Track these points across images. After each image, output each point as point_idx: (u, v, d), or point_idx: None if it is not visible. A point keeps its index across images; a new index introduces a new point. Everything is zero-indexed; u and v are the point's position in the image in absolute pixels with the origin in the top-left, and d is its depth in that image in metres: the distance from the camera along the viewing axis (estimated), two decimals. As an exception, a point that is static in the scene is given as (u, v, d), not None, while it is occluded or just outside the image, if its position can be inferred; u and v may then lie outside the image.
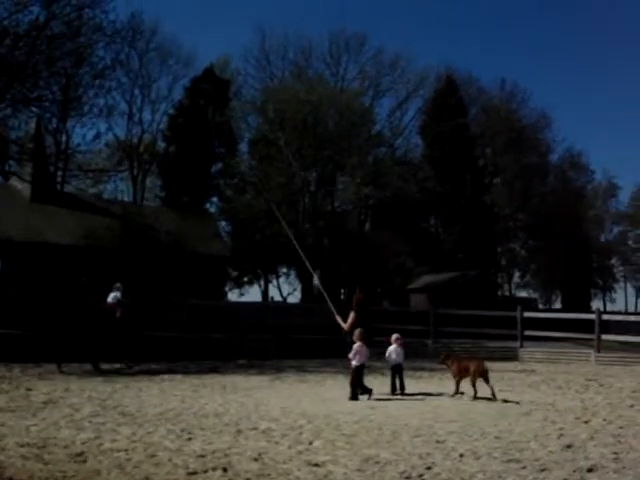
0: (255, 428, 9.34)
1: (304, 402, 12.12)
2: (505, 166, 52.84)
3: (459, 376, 12.83)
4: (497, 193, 52.78)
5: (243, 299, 48.76)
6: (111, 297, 18.51)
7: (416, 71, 49.01)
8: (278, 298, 48.06)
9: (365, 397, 12.70)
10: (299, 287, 46.95)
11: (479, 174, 49.66)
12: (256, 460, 7.35)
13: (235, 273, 46.48)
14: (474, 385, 12.39)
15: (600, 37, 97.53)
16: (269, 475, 6.72)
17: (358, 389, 12.80)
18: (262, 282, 49.50)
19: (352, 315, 13.93)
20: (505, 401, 12.13)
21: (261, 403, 11.91)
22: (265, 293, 49.11)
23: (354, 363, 13.01)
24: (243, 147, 48.03)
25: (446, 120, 46.44)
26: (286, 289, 51.11)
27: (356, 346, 13.11)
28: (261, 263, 45.02)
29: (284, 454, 7.69)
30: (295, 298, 47.63)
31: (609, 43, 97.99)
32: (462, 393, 12.85)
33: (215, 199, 47.21)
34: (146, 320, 20.14)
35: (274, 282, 50.39)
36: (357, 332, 13.23)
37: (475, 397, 12.31)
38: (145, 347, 19.08)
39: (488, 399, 12.14)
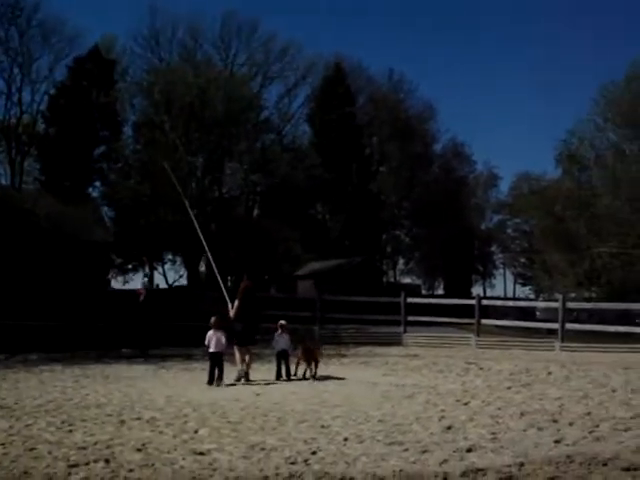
0: (139, 418, 9.17)
1: (189, 390, 12.01)
2: (391, 155, 53.86)
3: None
4: (383, 181, 53.71)
5: (127, 287, 47.66)
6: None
7: (305, 59, 49.18)
8: (164, 285, 47.30)
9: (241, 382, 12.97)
10: (185, 274, 46.38)
11: (365, 162, 50.39)
12: (140, 450, 7.22)
13: (119, 260, 45.36)
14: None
15: (481, 33, 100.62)
16: (153, 465, 6.60)
17: (219, 380, 12.94)
18: (147, 269, 48.56)
19: (237, 303, 13.89)
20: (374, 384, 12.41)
21: (145, 392, 11.71)
22: (150, 280, 48.24)
23: (210, 350, 13.08)
24: (128, 130, 46.80)
25: (334, 108, 46.84)
26: (172, 276, 50.28)
27: (210, 333, 13.19)
28: (146, 250, 44.10)
29: (169, 443, 7.59)
30: (181, 285, 46.98)
31: (488, 39, 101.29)
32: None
33: (98, 184, 45.82)
34: (23, 309, 19.41)
35: (159, 269, 49.55)
36: (213, 319, 13.33)
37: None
38: (22, 337, 18.40)
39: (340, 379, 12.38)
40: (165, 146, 38.92)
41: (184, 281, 45.96)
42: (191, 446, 7.44)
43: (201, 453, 7.10)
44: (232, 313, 13.81)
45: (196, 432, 8.22)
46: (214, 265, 16.06)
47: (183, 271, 47.51)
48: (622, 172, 37.26)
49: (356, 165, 47.47)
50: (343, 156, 46.01)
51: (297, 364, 13.71)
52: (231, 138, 40.09)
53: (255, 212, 48.24)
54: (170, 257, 48.75)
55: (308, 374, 13.58)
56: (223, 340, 13.31)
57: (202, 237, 16.60)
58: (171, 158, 39.01)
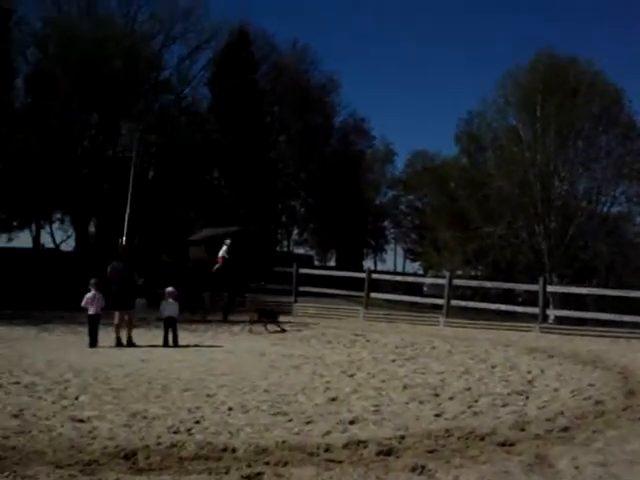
0: (17, 382, 8.87)
1: (72, 355, 11.69)
2: (290, 125, 53.65)
3: None
4: (281, 151, 53.55)
5: (12, 245, 45.72)
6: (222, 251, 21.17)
7: (210, 22, 48.07)
8: (50, 245, 45.68)
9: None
10: (73, 235, 44.95)
11: (265, 131, 50.01)
12: (16, 417, 6.98)
13: (3, 216, 43.44)
14: None
15: (385, 7, 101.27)
16: (30, 432, 6.37)
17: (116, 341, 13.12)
18: (34, 227, 46.71)
19: (111, 265, 13.80)
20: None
21: (25, 355, 11.34)
22: (37, 239, 46.46)
23: (89, 312, 12.98)
24: (19, 82, 44.63)
25: (236, 74, 46.10)
26: (59, 236, 48.55)
27: (89, 295, 13.09)
28: (33, 207, 42.40)
29: (47, 410, 7.36)
30: (69, 246, 45.52)
31: (393, 14, 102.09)
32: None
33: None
34: None
35: (47, 228, 47.77)
36: (92, 281, 13.21)
37: None
38: None
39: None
40: (58, 101, 37.40)
41: (72, 242, 44.60)
42: (71, 413, 7.25)
43: (81, 420, 6.93)
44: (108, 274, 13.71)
45: (77, 398, 8.01)
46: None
47: (71, 231, 46.06)
48: (516, 155, 38.52)
49: (255, 133, 47.04)
50: (243, 123, 45.43)
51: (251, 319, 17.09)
52: (128, 97, 38.90)
53: (150, 174, 47.15)
54: (59, 216, 47.13)
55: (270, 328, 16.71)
56: (101, 302, 13.21)
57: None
58: (64, 113, 37.60)
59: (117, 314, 13.48)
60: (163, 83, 44.79)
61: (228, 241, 21.79)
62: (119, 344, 13.25)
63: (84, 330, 13.81)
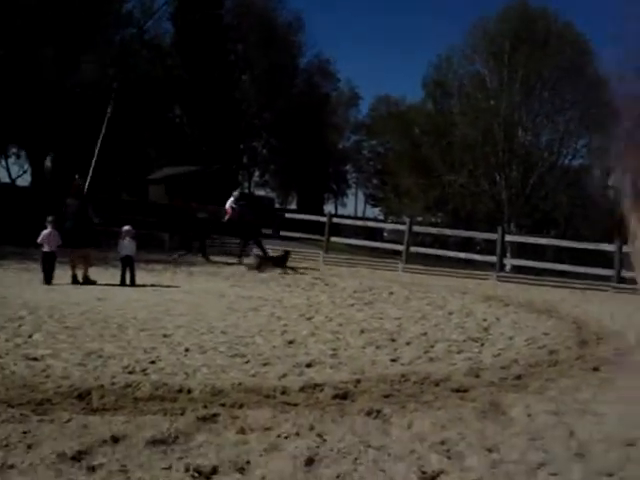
0: (-32, 319, 8.69)
1: (26, 292, 11.51)
2: (255, 63, 52.77)
3: None
4: (245, 90, 52.77)
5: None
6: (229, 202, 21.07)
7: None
8: (6, 180, 44.73)
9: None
10: (29, 170, 44.03)
11: (229, 68, 49.15)
12: (-33, 354, 6.84)
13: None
14: None
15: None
16: (-20, 370, 6.27)
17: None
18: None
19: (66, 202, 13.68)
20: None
21: (-23, 292, 11.11)
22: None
23: (44, 249, 12.88)
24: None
25: (199, 8, 45.05)
26: (15, 171, 47.53)
27: (45, 232, 13.00)
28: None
29: (0, 348, 7.22)
30: (25, 182, 44.63)
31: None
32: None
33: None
34: None
35: (2, 162, 46.73)
36: (49, 218, 13.12)
37: None
38: None
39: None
40: (14, 31, 36.19)
41: (28, 177, 43.71)
42: (24, 351, 7.13)
43: (34, 359, 6.81)
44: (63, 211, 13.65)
45: (30, 336, 7.88)
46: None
47: (27, 166, 45.10)
48: (482, 104, 38.53)
49: (219, 70, 46.21)
50: (206, 60, 44.56)
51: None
52: (88, 29, 37.80)
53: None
54: (15, 150, 46.10)
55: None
56: (58, 239, 13.08)
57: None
58: (19, 44, 36.42)
59: (72, 251, 13.32)
60: (125, 15, 43.59)
61: (236, 193, 22.01)
62: (75, 282, 13.11)
63: (39, 267, 13.62)
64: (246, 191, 57.15)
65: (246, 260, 19.25)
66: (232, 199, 21.45)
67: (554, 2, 47.93)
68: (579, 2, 63.97)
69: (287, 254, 18.71)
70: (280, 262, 18.23)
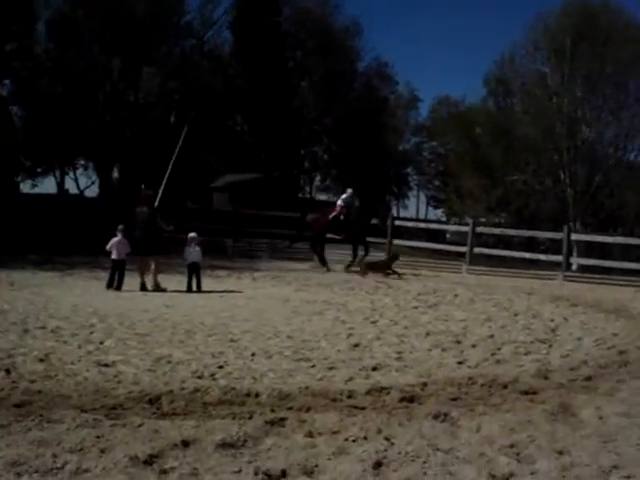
0: (43, 327, 8.94)
1: (97, 300, 11.79)
2: (313, 70, 53.00)
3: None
4: (304, 96, 53.04)
5: (37, 191, 45.95)
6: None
7: (231, -37, 47.32)
8: (74, 191, 45.89)
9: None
10: (97, 181, 45.08)
11: (288, 75, 49.50)
12: (42, 361, 7.02)
13: (28, 163, 43.62)
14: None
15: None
16: (56, 376, 6.43)
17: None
18: (58, 173, 46.87)
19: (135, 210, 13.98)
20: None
21: (51, 300, 11.44)
22: (61, 185, 46.67)
23: (112, 256, 13.40)
24: (41, 27, 44.27)
25: (258, 17, 45.49)
26: (84, 182, 48.72)
27: (114, 240, 13.36)
28: (57, 153, 42.49)
29: (73, 354, 7.42)
30: (93, 192, 45.70)
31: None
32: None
33: (7, 82, 43.47)
34: None
35: (71, 174, 47.93)
36: (120, 227, 13.76)
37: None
38: None
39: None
40: (80, 46, 37.20)
41: (96, 188, 44.76)
42: (96, 357, 7.31)
43: (106, 365, 6.98)
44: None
45: (102, 343, 8.07)
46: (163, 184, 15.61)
47: (95, 177, 46.18)
48: (544, 101, 37.90)
49: (278, 78, 46.58)
50: (265, 67, 44.98)
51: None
52: (150, 41, 38.58)
53: (172, 120, 46.99)
54: (82, 162, 47.28)
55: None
56: (127, 248, 13.42)
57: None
58: (86, 59, 37.40)
59: (141, 259, 13.63)
60: (185, 27, 44.34)
61: (350, 190, 20.76)
62: (143, 289, 13.38)
63: (107, 276, 13.95)
64: (307, 196, 57.45)
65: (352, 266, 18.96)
66: (345, 196, 20.54)
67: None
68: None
69: (394, 257, 18.34)
70: (386, 266, 17.95)
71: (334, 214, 19.90)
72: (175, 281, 14.44)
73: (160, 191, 15.43)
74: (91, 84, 37.82)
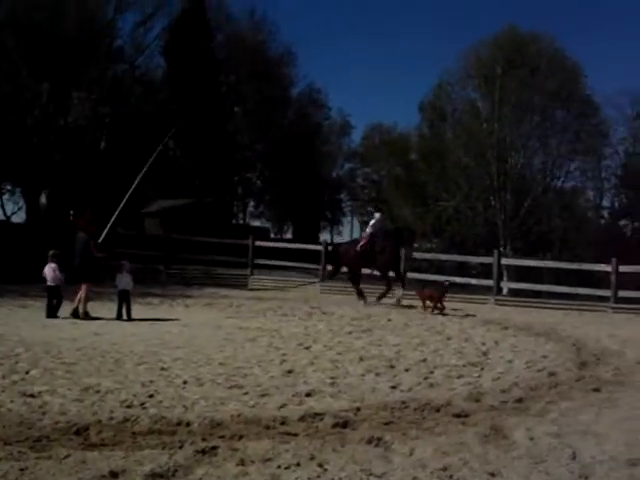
0: (-36, 357, 8.63)
1: (23, 328, 11.43)
2: (247, 96, 53.09)
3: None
4: (237, 122, 53.01)
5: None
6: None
7: (164, -13, 47.16)
8: (1, 217, 44.66)
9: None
10: (24, 207, 44.01)
11: (221, 101, 49.43)
12: (-37, 392, 6.78)
13: (-48, 187, 42.34)
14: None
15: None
16: (-23, 408, 6.21)
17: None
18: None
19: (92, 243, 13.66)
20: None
21: (-26, 329, 11.04)
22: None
23: (48, 283, 13.22)
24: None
25: (191, 43, 45.40)
26: (10, 208, 47.44)
27: (48, 266, 13.20)
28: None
29: (-4, 385, 7.17)
30: (20, 218, 44.55)
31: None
32: None
33: None
34: None
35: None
36: (51, 252, 13.50)
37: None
38: None
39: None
40: (8, 69, 36.42)
41: (22, 214, 43.65)
42: (21, 388, 7.08)
43: (31, 395, 6.77)
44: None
45: (27, 373, 7.84)
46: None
47: (22, 203, 45.07)
48: (475, 128, 38.71)
49: (211, 103, 46.44)
50: (198, 93, 44.81)
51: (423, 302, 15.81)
52: (80, 65, 38.01)
53: (102, 145, 46.30)
54: (9, 187, 46.12)
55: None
56: (58, 273, 13.13)
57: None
58: (14, 82, 36.62)
59: (79, 286, 13.37)
60: (117, 51, 43.87)
61: (378, 214, 18.98)
62: (75, 316, 13.09)
63: (35, 303, 13.59)
64: (241, 222, 57.23)
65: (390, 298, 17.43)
66: (373, 221, 18.52)
67: (546, 27, 48.61)
68: (569, 28, 64.80)
69: (445, 288, 15.90)
70: (438, 299, 15.68)
71: (362, 244, 17.84)
72: (106, 309, 14.13)
73: (112, 219, 15.22)
74: (19, 108, 37.02)
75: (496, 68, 37.78)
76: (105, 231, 14.63)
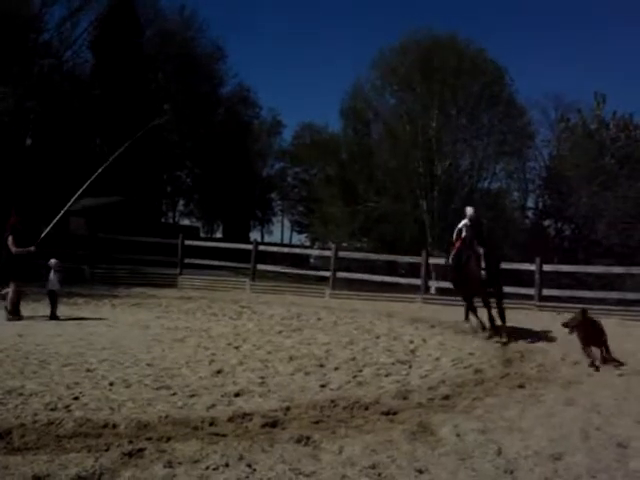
0: None
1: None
2: (176, 93, 52.52)
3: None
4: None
5: None
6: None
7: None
8: None
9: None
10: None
11: (150, 98, 48.75)
12: None
13: None
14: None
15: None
16: None
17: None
18: None
19: (11, 238, 13.23)
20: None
21: None
22: None
23: None
24: None
25: (120, 37, 44.63)
26: None
27: None
28: None
29: None
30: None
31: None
32: None
33: None
34: None
35: None
36: None
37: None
38: None
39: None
40: None
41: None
42: (-62, 391, 6.84)
43: (-51, 399, 6.55)
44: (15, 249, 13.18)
45: (-55, 376, 7.58)
46: None
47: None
48: (399, 131, 39.04)
49: (140, 100, 45.76)
50: (127, 89, 44.12)
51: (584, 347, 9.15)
52: (4, 59, 36.99)
53: (28, 142, 45.16)
54: None
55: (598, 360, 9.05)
56: None
57: None
58: None
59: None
60: (43, 45, 42.82)
61: (470, 210, 12.57)
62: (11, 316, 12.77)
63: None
64: (170, 221, 56.60)
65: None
66: (465, 221, 12.59)
67: (466, 31, 49.45)
68: (492, 30, 66.12)
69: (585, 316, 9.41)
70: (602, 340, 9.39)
71: (456, 250, 12.58)
72: (29, 309, 13.79)
73: (55, 220, 14.88)
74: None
75: (414, 73, 38.03)
76: (47, 230, 14.32)
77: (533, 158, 43.46)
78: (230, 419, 6.09)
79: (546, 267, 18.74)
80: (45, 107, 39.23)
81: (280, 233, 72.39)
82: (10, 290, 12.96)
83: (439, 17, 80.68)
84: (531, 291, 18.42)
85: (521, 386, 7.73)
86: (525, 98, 41.63)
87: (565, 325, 9.28)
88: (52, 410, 6.30)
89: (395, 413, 6.40)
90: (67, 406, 6.45)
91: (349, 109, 42.68)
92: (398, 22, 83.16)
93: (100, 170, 15.40)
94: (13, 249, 13.25)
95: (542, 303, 17.86)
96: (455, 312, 14.51)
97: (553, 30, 78.06)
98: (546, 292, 18.26)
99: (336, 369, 8.76)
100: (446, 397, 7.14)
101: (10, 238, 13.28)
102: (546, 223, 42.50)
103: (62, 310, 13.54)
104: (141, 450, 5.00)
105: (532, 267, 18.62)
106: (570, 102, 42.77)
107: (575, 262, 29.15)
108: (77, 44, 47.03)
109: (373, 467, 4.82)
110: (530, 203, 43.99)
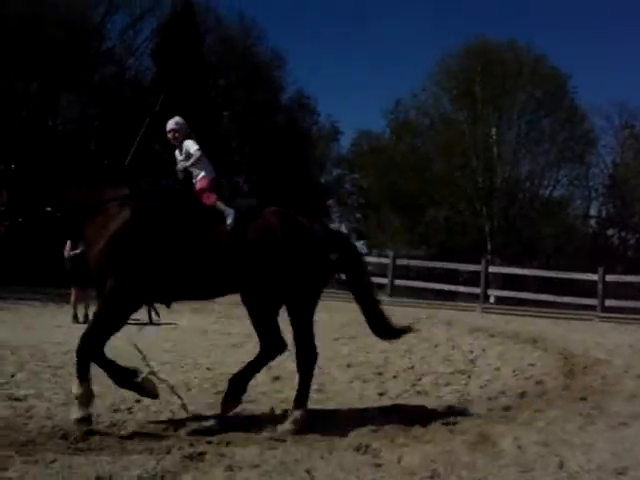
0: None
1: (4, 331, 11.35)
2: (236, 100, 53.05)
3: None
4: (226, 126, 52.91)
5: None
6: None
7: (154, -11, 47.02)
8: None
9: None
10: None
11: (210, 105, 49.36)
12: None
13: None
14: None
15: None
16: (-38, 412, 6.16)
17: None
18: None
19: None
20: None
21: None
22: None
23: None
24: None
25: (181, 45, 45.30)
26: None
27: None
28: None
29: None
30: None
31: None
32: None
33: None
34: None
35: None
36: None
37: None
38: None
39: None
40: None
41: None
42: (6, 391, 7.04)
43: (17, 399, 6.73)
44: None
45: (13, 376, 7.78)
46: None
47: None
48: (453, 140, 38.67)
49: (200, 107, 46.35)
50: (188, 96, 44.76)
51: None
52: (69, 67, 37.89)
53: (92, 147, 46.15)
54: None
55: None
56: None
57: None
58: (1, 84, 36.43)
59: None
60: (105, 53, 43.74)
61: None
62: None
63: (18, 307, 13.48)
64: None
65: None
66: None
67: (524, 36, 48.69)
68: (555, 38, 64.92)
69: None
70: None
71: None
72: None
73: None
74: (7, 109, 36.84)
75: (473, 79, 37.62)
76: None
77: (596, 165, 42.50)
78: (289, 427, 6.09)
79: (609, 277, 18.35)
80: (107, 114, 40.01)
81: (337, 240, 72.30)
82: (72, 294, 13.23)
83: (496, 21, 79.39)
84: (594, 302, 18.05)
85: (583, 398, 7.56)
86: (587, 104, 40.71)
87: None
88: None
89: (455, 423, 6.33)
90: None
91: (398, 121, 42.42)
92: (447, 26, 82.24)
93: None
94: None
95: (604, 314, 17.48)
96: (516, 321, 14.30)
97: (617, 35, 76.25)
98: (609, 303, 17.87)
99: (394, 377, 8.73)
100: (507, 408, 7.03)
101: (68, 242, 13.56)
102: (609, 232, 41.59)
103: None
104: (202, 454, 5.04)
105: (595, 277, 18.26)
106: (634, 108, 41.75)
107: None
108: (139, 52, 47.92)
109: (432, 477, 4.77)
110: (593, 211, 43.04)
